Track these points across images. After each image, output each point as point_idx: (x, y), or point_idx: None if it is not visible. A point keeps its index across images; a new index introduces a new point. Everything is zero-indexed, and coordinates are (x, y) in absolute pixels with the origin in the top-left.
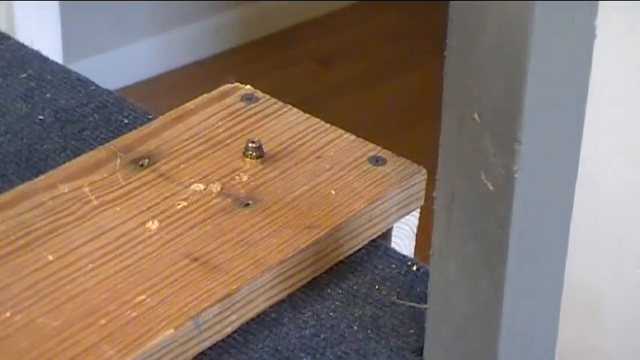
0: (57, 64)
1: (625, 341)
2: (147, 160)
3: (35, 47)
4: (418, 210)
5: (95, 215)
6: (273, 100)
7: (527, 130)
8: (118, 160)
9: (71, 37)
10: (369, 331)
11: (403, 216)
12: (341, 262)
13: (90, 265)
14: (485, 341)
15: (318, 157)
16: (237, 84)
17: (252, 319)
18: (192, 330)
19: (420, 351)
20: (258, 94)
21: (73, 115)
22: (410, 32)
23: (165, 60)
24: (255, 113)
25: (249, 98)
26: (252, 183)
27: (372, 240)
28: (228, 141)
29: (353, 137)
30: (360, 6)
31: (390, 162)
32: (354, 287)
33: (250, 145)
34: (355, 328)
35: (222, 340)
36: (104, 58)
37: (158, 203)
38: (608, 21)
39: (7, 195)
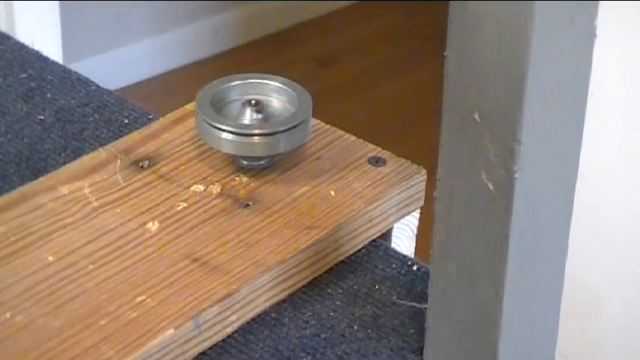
0: (57, 64)
1: (625, 341)
2: (147, 162)
3: (35, 47)
4: (418, 210)
5: (95, 217)
6: None
7: (527, 130)
8: (118, 162)
9: (71, 37)
10: (370, 331)
11: (403, 216)
12: (341, 262)
13: (90, 266)
14: (486, 341)
15: (318, 158)
16: None
17: (253, 319)
18: (193, 330)
19: (420, 351)
20: None
21: (73, 115)
22: (410, 32)
23: (165, 60)
24: None
25: None
26: (252, 184)
27: (373, 240)
28: None
29: (353, 138)
30: (360, 6)
31: (389, 162)
32: (355, 287)
33: None
34: (355, 327)
35: (223, 340)
36: (104, 58)
37: (158, 204)
38: (608, 21)
39: (7, 197)
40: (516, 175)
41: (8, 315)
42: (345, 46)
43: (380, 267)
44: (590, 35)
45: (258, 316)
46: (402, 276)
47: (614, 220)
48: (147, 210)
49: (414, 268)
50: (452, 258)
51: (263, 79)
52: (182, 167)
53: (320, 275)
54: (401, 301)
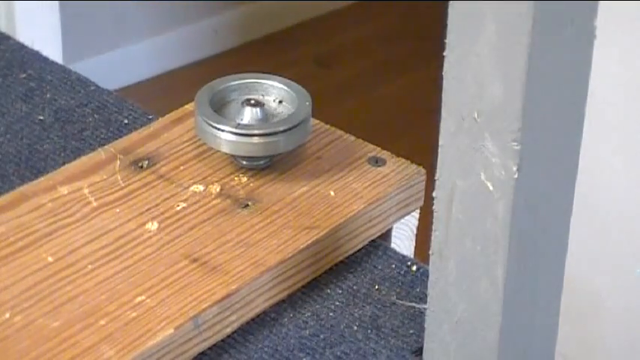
0: (57, 64)
1: (625, 341)
2: (146, 162)
3: (35, 47)
4: (418, 210)
5: (95, 217)
6: None
7: (527, 130)
8: (118, 162)
9: (71, 37)
10: (369, 331)
11: (403, 216)
12: (341, 262)
13: (90, 266)
14: (485, 341)
15: (317, 158)
16: None
17: (252, 320)
18: (192, 330)
19: (420, 351)
20: None
21: (72, 116)
22: (410, 32)
23: (165, 60)
24: None
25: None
26: (251, 184)
27: (372, 240)
28: None
29: (352, 138)
30: (360, 6)
31: (389, 163)
32: (354, 287)
33: None
34: (355, 328)
35: (222, 341)
36: (104, 58)
37: (158, 204)
38: (608, 21)
39: (7, 197)
40: (516, 175)
41: (7, 315)
42: (345, 46)
43: (379, 267)
44: (590, 35)
45: (258, 316)
46: (402, 276)
47: (614, 220)
48: (146, 210)
49: (414, 268)
50: (451, 258)
51: (263, 79)
52: (181, 167)
53: (319, 275)
54: (400, 302)
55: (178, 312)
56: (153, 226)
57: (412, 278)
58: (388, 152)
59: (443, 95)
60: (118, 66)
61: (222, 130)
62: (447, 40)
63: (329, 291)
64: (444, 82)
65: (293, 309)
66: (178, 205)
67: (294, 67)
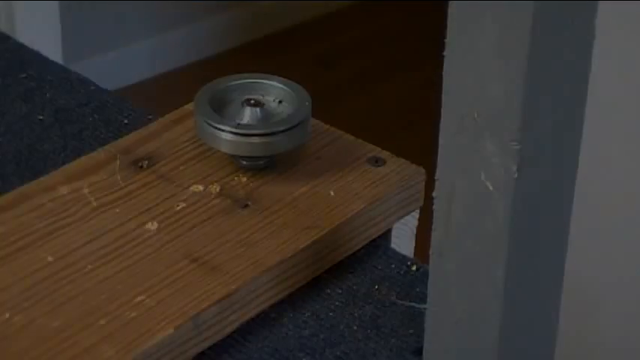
0: (57, 64)
1: (625, 341)
2: (146, 162)
3: (35, 47)
4: (417, 210)
5: (95, 217)
6: None
7: (527, 130)
8: (118, 162)
9: (71, 37)
10: (369, 331)
11: (402, 217)
12: (340, 262)
13: (89, 266)
14: (485, 341)
15: (317, 158)
16: None
17: (252, 320)
18: (192, 330)
19: (419, 351)
20: None
21: (72, 115)
22: (410, 32)
23: (165, 60)
24: None
25: None
26: (251, 184)
27: (372, 240)
28: None
29: (352, 138)
30: (360, 6)
31: (389, 162)
32: (354, 287)
33: None
34: (355, 328)
35: (222, 340)
36: (104, 58)
37: (157, 204)
38: (608, 21)
39: (7, 197)
40: (516, 175)
41: (7, 315)
42: (345, 46)
43: (379, 267)
44: (590, 35)
45: (258, 316)
46: (402, 276)
47: (613, 220)
48: (146, 210)
49: (414, 268)
50: (451, 258)
51: (263, 79)
52: (181, 167)
53: (319, 275)
54: (400, 301)
55: (178, 312)
56: (153, 226)
57: (412, 278)
58: (388, 152)
59: (443, 95)
60: (118, 66)
61: (222, 130)
62: (447, 40)
63: (329, 291)
64: (444, 82)
65: (293, 309)
66: (178, 205)
67: (294, 67)
